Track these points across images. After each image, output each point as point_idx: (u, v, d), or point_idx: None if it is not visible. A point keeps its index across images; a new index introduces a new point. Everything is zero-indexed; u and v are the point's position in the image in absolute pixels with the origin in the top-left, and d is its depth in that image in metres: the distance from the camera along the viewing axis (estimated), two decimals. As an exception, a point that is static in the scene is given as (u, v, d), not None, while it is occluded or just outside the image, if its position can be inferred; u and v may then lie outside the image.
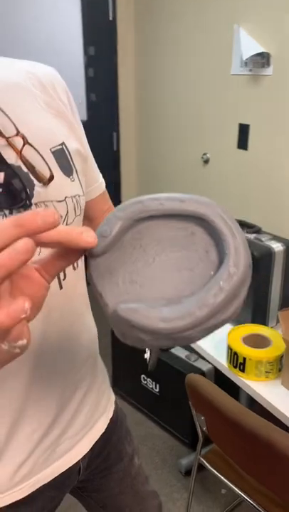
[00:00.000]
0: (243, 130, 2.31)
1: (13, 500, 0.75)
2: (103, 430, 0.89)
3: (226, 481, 1.43)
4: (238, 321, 1.45)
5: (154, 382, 2.13)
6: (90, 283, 0.47)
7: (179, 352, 2.07)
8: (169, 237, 0.47)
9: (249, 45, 2.13)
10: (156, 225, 0.47)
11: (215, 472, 1.47)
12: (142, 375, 2.17)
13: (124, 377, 2.33)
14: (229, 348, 1.34)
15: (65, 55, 2.74)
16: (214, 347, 1.46)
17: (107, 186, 0.89)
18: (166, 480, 1.91)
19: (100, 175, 0.87)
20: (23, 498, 0.75)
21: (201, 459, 1.51)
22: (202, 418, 1.39)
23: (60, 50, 2.70)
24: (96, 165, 0.85)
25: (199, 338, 0.45)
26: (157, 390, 2.13)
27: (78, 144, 0.75)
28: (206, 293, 0.43)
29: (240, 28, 2.16)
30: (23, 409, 0.70)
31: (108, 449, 0.93)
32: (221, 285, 0.43)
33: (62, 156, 0.69)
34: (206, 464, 1.49)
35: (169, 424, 2.14)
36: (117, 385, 2.38)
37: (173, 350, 2.08)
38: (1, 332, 0.38)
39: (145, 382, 2.17)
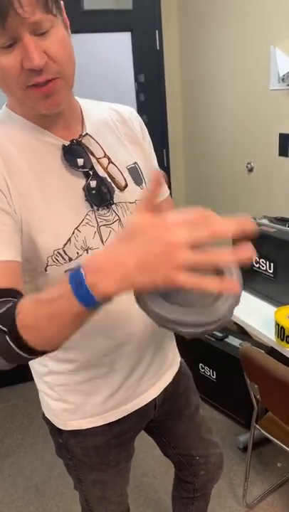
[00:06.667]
0: (284, 139, 2.53)
1: (108, 421, 1.05)
2: (170, 380, 1.16)
3: (277, 441, 1.63)
4: (282, 303, 1.67)
5: (211, 370, 2.36)
6: None
7: (233, 341, 2.29)
8: None
9: (285, 63, 2.36)
10: None
11: (269, 436, 1.67)
12: (200, 364, 2.40)
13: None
14: (277, 324, 1.56)
15: (119, 83, 3.07)
16: (263, 326, 1.67)
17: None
18: (226, 455, 2.07)
19: (165, 186, 1.13)
20: (114, 421, 1.05)
21: (257, 426, 1.72)
22: (256, 387, 1.61)
23: (114, 78, 3.04)
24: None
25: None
26: (214, 377, 2.35)
27: (147, 162, 1.04)
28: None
29: (276, 49, 2.40)
30: (115, 358, 0.99)
31: (177, 395, 1.20)
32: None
33: (135, 172, 0.99)
34: (262, 430, 1.70)
35: (226, 408, 2.35)
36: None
37: (227, 340, 2.30)
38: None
39: (203, 370, 2.40)
